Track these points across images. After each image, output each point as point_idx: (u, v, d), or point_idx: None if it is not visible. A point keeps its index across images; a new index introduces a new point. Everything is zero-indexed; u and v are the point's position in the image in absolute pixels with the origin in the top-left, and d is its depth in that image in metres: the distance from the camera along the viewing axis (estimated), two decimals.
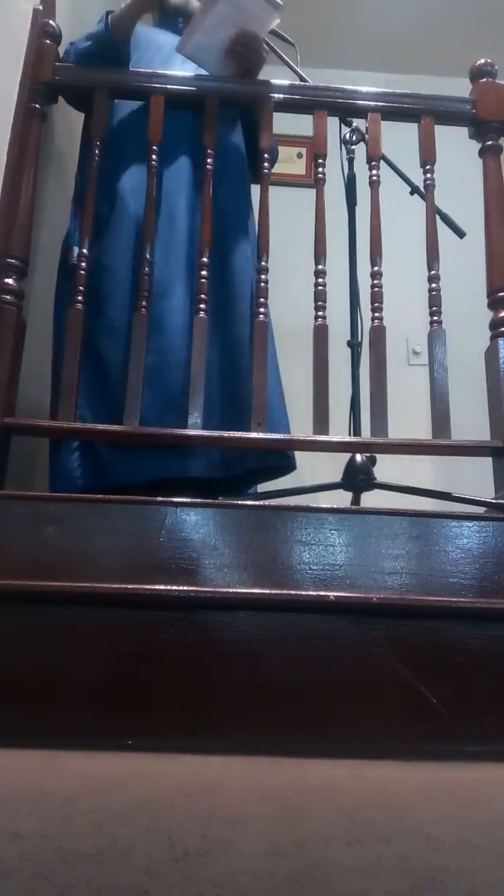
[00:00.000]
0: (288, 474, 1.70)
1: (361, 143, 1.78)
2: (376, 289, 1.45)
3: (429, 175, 1.53)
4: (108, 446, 1.50)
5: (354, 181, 1.98)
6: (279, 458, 1.64)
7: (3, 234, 1.39)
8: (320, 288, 1.44)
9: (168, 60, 1.72)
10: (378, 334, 1.42)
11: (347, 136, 1.93)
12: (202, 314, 1.42)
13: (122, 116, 1.70)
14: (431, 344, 1.42)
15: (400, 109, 1.58)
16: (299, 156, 2.99)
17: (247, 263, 1.66)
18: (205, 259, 1.45)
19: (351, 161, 1.97)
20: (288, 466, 1.67)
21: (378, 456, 1.66)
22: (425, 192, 1.54)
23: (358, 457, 1.63)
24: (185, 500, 1.16)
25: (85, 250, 1.45)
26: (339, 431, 1.48)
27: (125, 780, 0.86)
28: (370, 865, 0.69)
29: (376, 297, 1.44)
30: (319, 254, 1.47)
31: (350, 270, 1.92)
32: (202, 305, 1.42)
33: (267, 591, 1.09)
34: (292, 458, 1.66)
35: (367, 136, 1.60)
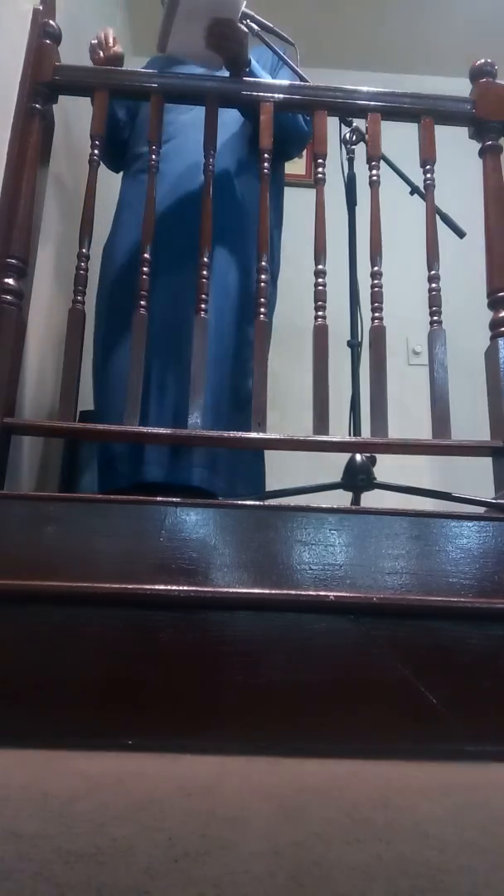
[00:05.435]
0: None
1: (361, 143, 1.78)
2: (376, 289, 1.45)
3: (429, 175, 1.53)
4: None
5: (354, 181, 1.98)
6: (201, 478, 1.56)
7: (3, 234, 1.39)
8: (320, 288, 1.44)
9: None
10: (378, 334, 1.42)
11: (347, 136, 1.93)
12: (203, 314, 1.42)
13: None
14: (431, 344, 1.42)
15: (400, 109, 1.58)
16: (299, 156, 2.99)
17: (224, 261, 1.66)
18: (205, 259, 1.45)
19: (351, 161, 1.98)
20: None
21: (378, 456, 1.66)
22: (425, 192, 1.54)
23: (358, 457, 1.63)
24: (185, 500, 1.16)
25: (85, 250, 1.45)
26: (339, 431, 1.48)
27: (125, 780, 0.86)
28: (370, 865, 0.69)
29: (376, 297, 1.44)
30: (319, 254, 1.47)
31: (350, 270, 1.92)
32: (203, 305, 1.42)
33: (267, 591, 1.09)
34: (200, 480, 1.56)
35: (367, 136, 1.60)
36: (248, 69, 1.63)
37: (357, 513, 1.23)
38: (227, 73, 1.67)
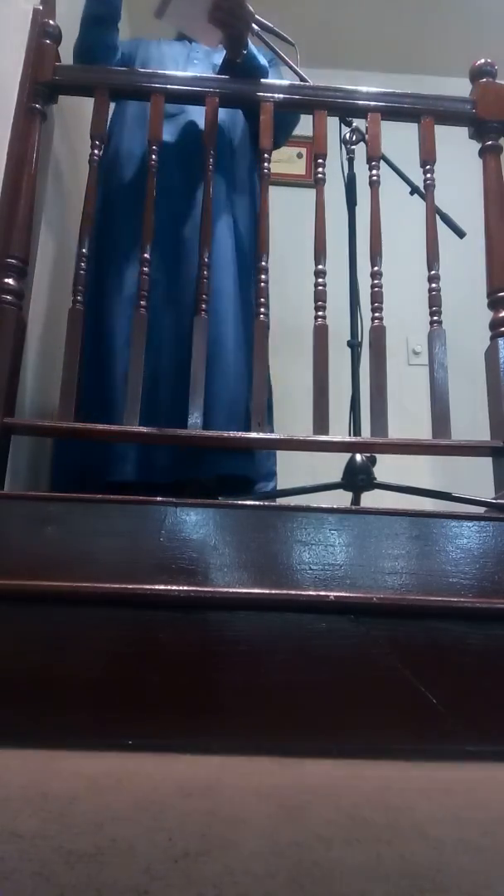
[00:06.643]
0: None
1: (361, 143, 1.78)
2: (376, 289, 1.45)
3: (429, 175, 1.53)
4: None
5: (354, 181, 1.98)
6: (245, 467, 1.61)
7: (3, 234, 1.39)
8: (320, 288, 1.44)
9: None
10: (378, 334, 1.42)
11: (347, 136, 1.93)
12: (203, 314, 1.42)
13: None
14: (431, 344, 1.42)
15: (400, 109, 1.58)
16: (299, 156, 2.99)
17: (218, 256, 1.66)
18: (206, 259, 1.45)
19: (351, 161, 1.98)
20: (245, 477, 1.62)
21: (378, 456, 1.66)
22: (425, 192, 1.54)
23: (358, 457, 1.63)
24: (184, 500, 1.16)
25: (85, 250, 1.45)
26: (339, 431, 1.48)
27: (125, 780, 0.86)
28: (370, 865, 0.69)
29: (376, 297, 1.44)
30: (319, 254, 1.47)
31: (350, 270, 1.92)
32: (203, 305, 1.42)
33: (267, 591, 1.09)
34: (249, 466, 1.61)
35: (367, 136, 1.60)
36: (245, 51, 1.63)
37: (357, 513, 1.23)
38: (221, 52, 1.67)
